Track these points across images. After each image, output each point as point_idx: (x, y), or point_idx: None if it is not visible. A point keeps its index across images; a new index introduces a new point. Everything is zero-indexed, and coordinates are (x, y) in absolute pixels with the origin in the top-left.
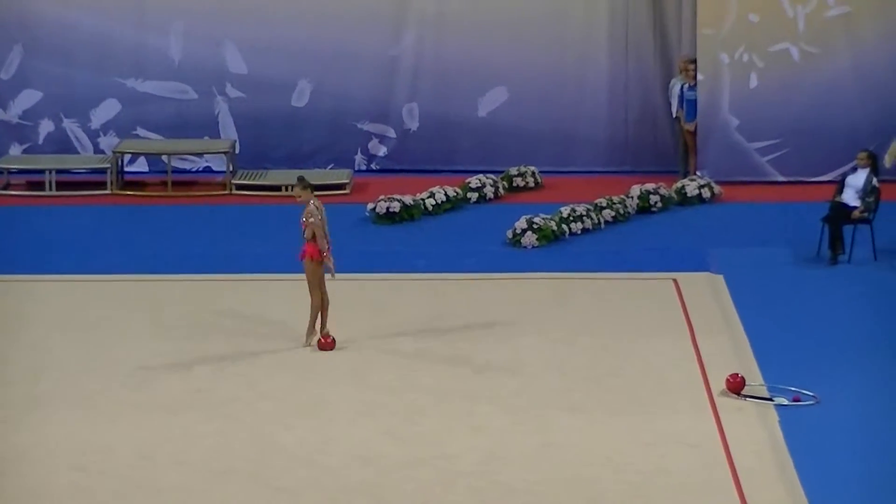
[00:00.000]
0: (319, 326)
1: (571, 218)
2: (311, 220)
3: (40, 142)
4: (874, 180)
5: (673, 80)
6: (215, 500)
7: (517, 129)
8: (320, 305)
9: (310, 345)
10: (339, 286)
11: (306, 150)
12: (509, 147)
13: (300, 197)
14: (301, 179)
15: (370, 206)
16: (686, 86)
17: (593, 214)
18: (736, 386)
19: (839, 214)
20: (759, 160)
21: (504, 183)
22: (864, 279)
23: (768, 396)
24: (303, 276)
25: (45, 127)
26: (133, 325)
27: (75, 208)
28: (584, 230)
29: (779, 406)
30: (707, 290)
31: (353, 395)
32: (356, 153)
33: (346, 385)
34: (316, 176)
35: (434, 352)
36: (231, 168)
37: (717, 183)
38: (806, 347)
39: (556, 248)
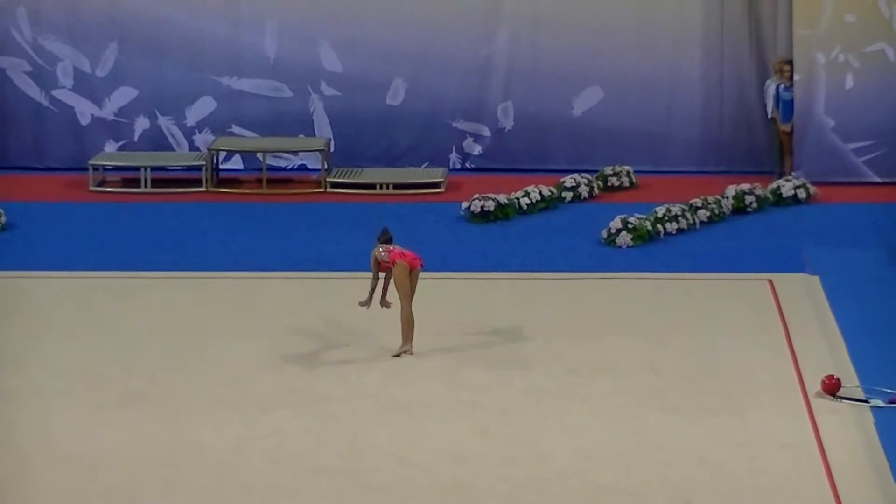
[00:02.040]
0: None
1: (666, 218)
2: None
3: (136, 139)
4: None
5: (768, 81)
6: (308, 497)
7: (612, 128)
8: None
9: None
10: (433, 285)
11: (401, 149)
12: (604, 146)
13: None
14: (382, 233)
15: (464, 204)
16: (782, 86)
17: (688, 214)
18: (831, 387)
19: None
20: (854, 161)
21: (599, 182)
22: None
23: (864, 398)
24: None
25: (141, 124)
26: (227, 323)
27: (170, 205)
28: (679, 230)
29: (874, 408)
30: (802, 291)
31: (446, 394)
32: (451, 152)
33: (439, 383)
34: (411, 174)
35: (527, 351)
36: (326, 166)
37: (813, 183)
38: None
39: (651, 248)
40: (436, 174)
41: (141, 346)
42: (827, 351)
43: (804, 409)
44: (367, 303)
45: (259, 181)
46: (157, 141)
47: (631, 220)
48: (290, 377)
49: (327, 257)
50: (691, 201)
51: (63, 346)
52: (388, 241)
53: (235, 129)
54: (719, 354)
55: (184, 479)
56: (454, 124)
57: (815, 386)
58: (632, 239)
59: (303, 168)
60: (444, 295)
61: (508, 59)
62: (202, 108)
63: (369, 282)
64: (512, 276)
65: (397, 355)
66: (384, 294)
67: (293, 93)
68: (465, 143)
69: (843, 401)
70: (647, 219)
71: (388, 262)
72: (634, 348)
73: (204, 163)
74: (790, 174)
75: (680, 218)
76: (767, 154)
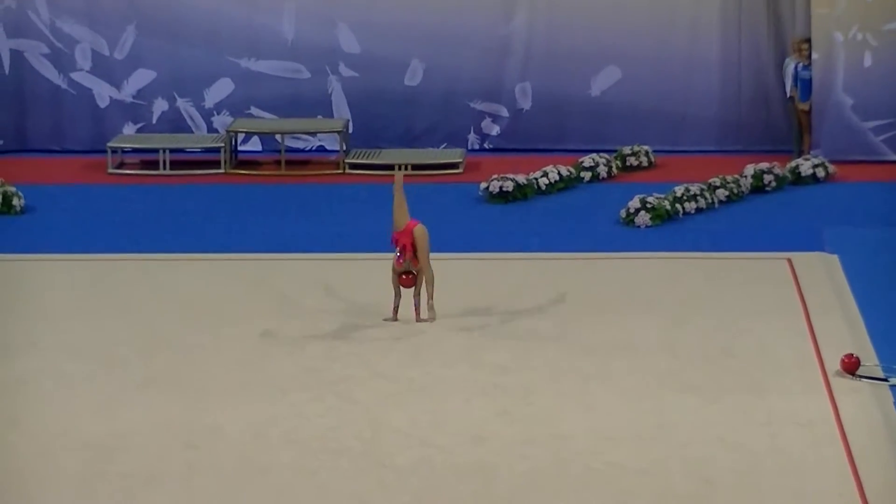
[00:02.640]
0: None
1: (685, 197)
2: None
3: (154, 121)
4: None
5: (787, 60)
6: (327, 478)
7: (630, 108)
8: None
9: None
10: (452, 266)
11: (419, 130)
12: (622, 126)
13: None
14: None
15: (483, 185)
16: (800, 65)
17: (707, 194)
18: (851, 366)
19: None
20: (873, 139)
21: (617, 162)
22: None
23: (883, 377)
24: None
25: (159, 106)
26: (245, 305)
27: (189, 187)
28: (698, 210)
29: (893, 386)
30: (821, 270)
31: (466, 375)
32: (469, 132)
33: (459, 364)
34: (429, 155)
35: (547, 331)
36: (344, 147)
37: (832, 162)
38: None
39: (670, 228)
40: (454, 155)
41: (160, 328)
42: (846, 330)
43: (824, 387)
44: (393, 317)
45: (277, 163)
46: (175, 123)
47: (650, 199)
48: (309, 359)
49: (346, 239)
50: (710, 181)
51: (82, 329)
52: None
53: (254, 110)
54: (738, 334)
55: (203, 461)
56: (472, 105)
57: (834, 365)
58: (650, 219)
59: (321, 149)
60: (462, 276)
61: (526, 39)
62: (220, 89)
63: (390, 278)
64: (531, 256)
65: (425, 319)
66: (417, 307)
67: (311, 74)
68: (483, 124)
69: (863, 379)
70: (665, 198)
71: (403, 251)
72: (654, 328)
73: (222, 144)
74: (809, 153)
75: (699, 197)
76: (786, 133)
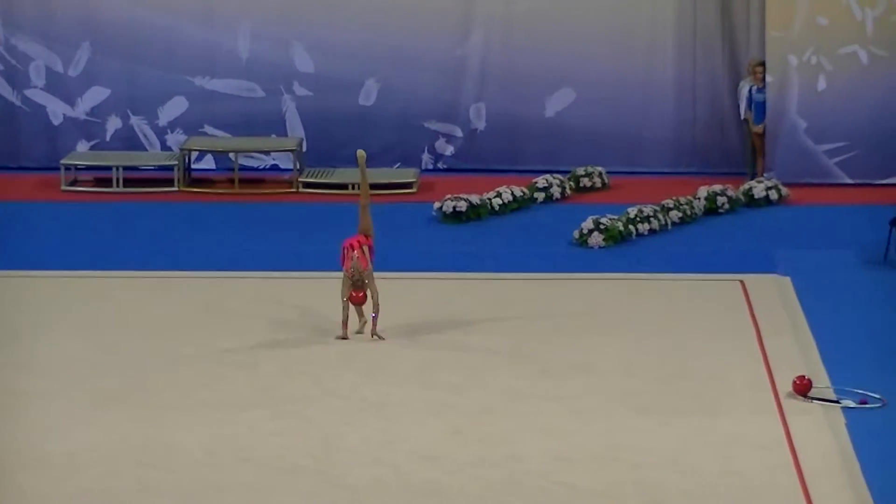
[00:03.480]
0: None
1: (638, 219)
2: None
3: (108, 139)
4: None
5: (742, 82)
6: (281, 497)
7: (584, 129)
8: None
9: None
10: (406, 285)
11: (373, 149)
12: (576, 147)
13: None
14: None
15: (437, 205)
16: (755, 88)
17: (660, 215)
18: (802, 388)
19: None
20: (826, 162)
21: (571, 183)
22: None
23: (835, 399)
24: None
25: (113, 124)
26: (198, 323)
27: (142, 205)
28: (651, 231)
29: (846, 408)
30: (774, 292)
31: (419, 394)
32: (423, 152)
33: (412, 384)
34: (383, 175)
35: (501, 351)
36: (298, 166)
37: (785, 185)
38: (873, 350)
39: (623, 249)
40: (408, 174)
41: (114, 346)
42: (798, 352)
43: (776, 409)
44: (343, 335)
45: (231, 181)
46: (129, 140)
47: (603, 220)
48: (262, 377)
49: (299, 257)
50: (663, 202)
51: (35, 347)
52: None
53: (208, 128)
54: (692, 355)
55: (158, 478)
56: (427, 125)
57: (786, 386)
58: (604, 239)
59: (275, 168)
60: (416, 296)
61: (482, 59)
62: (174, 107)
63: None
64: (485, 276)
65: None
66: (374, 321)
67: (266, 93)
68: (437, 144)
69: (815, 401)
70: (619, 219)
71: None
72: (608, 349)
73: (176, 162)
74: (762, 175)
75: (652, 219)
76: (740, 155)
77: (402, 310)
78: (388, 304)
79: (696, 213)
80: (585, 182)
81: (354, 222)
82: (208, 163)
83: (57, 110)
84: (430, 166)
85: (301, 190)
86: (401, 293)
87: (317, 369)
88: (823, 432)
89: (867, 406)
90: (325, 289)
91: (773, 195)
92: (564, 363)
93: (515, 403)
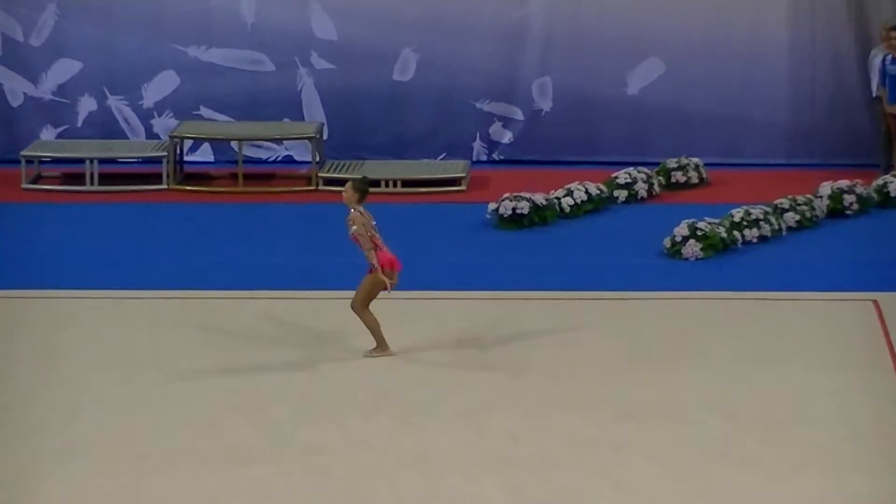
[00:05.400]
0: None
1: (745, 223)
2: (354, 227)
3: (79, 124)
4: None
5: (873, 52)
6: None
7: (676, 110)
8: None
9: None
10: (451, 306)
11: (411, 136)
12: (666, 133)
13: (345, 196)
14: (360, 181)
15: (492, 206)
16: (889, 58)
17: (772, 218)
18: None
19: None
20: None
21: (660, 178)
22: None
23: None
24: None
25: (86, 105)
26: (193, 355)
27: (123, 207)
28: (761, 238)
29: None
30: None
31: (468, 443)
32: (474, 140)
33: (459, 430)
34: (424, 168)
35: (569, 390)
36: (317, 158)
37: None
38: None
39: (726, 261)
40: (456, 168)
41: (86, 383)
42: None
43: None
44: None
45: (234, 176)
46: (106, 126)
47: (700, 225)
48: (273, 422)
49: (318, 273)
50: (776, 202)
51: None
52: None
53: (204, 111)
54: (811, 394)
55: None
56: (478, 105)
57: None
58: (701, 249)
59: (288, 160)
60: (466, 320)
61: (546, 23)
62: (162, 85)
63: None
64: (550, 295)
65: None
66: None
67: (276, 66)
68: (492, 130)
69: None
70: (720, 224)
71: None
72: (704, 386)
73: (165, 154)
74: None
75: (762, 223)
76: (871, 143)
77: (446, 336)
78: (430, 329)
79: (816, 216)
80: (678, 177)
81: (390, 229)
82: (205, 154)
83: (16, 88)
84: (483, 157)
85: (321, 188)
86: (445, 315)
87: (342, 412)
88: None
89: None
90: (349, 311)
91: None
92: (649, 404)
93: (588, 455)
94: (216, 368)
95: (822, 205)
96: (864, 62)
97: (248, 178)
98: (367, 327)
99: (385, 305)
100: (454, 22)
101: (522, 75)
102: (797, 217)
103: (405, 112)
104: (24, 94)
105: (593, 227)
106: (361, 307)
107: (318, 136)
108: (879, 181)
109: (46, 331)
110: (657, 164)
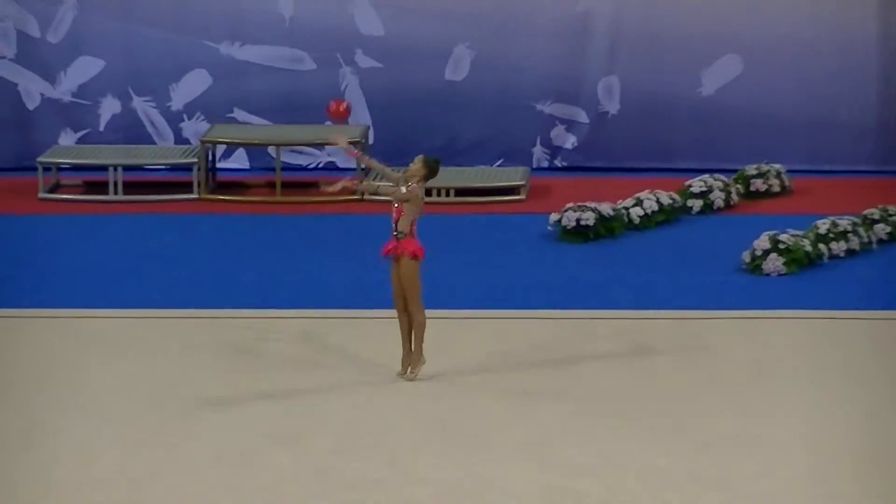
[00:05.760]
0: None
1: (831, 235)
2: (408, 191)
3: (101, 128)
4: None
5: None
6: None
7: (755, 113)
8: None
9: (409, 376)
10: (512, 326)
11: (465, 141)
12: (745, 138)
13: (412, 167)
14: (433, 159)
15: (554, 217)
16: None
17: (861, 230)
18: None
19: None
20: None
21: (738, 186)
22: None
23: None
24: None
25: (109, 107)
26: (226, 379)
27: (149, 218)
28: (850, 252)
29: None
30: None
31: (533, 477)
32: (534, 145)
33: (522, 463)
34: (480, 176)
35: (642, 418)
36: (362, 165)
37: None
38: None
39: (811, 277)
40: (514, 175)
41: (109, 412)
42: None
43: None
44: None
45: (271, 185)
46: (131, 130)
47: (783, 237)
48: (314, 455)
49: (363, 291)
50: (865, 212)
51: None
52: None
53: (238, 113)
54: None
55: None
56: (538, 107)
57: None
58: (784, 264)
59: (331, 167)
60: (525, 341)
61: (613, 17)
62: (192, 85)
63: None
64: (618, 314)
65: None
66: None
67: (317, 64)
68: (553, 134)
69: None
70: (804, 236)
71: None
72: (788, 415)
73: (196, 160)
74: None
75: (850, 235)
76: None
77: (504, 359)
78: (486, 351)
79: None
80: (758, 185)
81: (442, 240)
82: (239, 160)
83: (32, 89)
84: (545, 164)
85: (367, 197)
86: (504, 336)
87: (389, 444)
88: None
89: None
90: (398, 334)
91: None
92: (731, 435)
93: (664, 490)
94: (251, 395)
95: None
96: None
97: (287, 186)
98: (415, 328)
99: (440, 326)
100: (511, 16)
101: (587, 74)
102: (888, 229)
103: (458, 114)
104: (42, 95)
105: (665, 239)
106: (420, 304)
107: (363, 140)
108: None
109: (64, 353)
110: (735, 171)
